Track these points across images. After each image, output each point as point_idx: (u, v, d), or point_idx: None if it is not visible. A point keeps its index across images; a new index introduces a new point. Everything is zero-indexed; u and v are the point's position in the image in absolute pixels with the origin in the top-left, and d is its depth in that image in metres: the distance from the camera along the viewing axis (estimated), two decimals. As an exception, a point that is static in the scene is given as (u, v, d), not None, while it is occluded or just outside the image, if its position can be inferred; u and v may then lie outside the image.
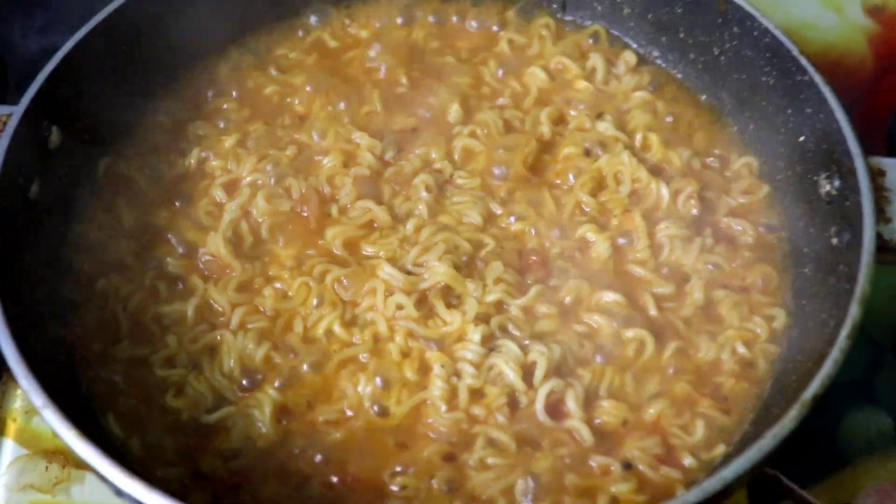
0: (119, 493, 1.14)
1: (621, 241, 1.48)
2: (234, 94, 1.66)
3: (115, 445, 1.30)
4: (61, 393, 1.20)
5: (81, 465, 1.48)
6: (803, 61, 1.45)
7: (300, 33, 1.74)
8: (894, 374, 1.62)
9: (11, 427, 1.54)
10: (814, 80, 1.43)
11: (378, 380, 1.33)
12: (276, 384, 1.34)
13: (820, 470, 1.50)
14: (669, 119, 1.63)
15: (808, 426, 1.20)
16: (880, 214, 1.32)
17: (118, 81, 1.58)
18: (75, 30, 1.50)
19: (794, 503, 1.44)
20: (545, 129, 1.60)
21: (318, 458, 1.29)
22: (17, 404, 1.56)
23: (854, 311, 1.22)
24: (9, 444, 1.52)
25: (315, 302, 1.41)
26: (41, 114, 1.44)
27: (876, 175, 1.36)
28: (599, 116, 1.62)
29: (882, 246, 1.31)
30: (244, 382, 1.35)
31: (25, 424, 1.54)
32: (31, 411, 1.55)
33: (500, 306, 1.40)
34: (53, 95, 1.45)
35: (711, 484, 1.10)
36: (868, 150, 1.37)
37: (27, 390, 1.19)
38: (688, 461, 1.29)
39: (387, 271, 1.41)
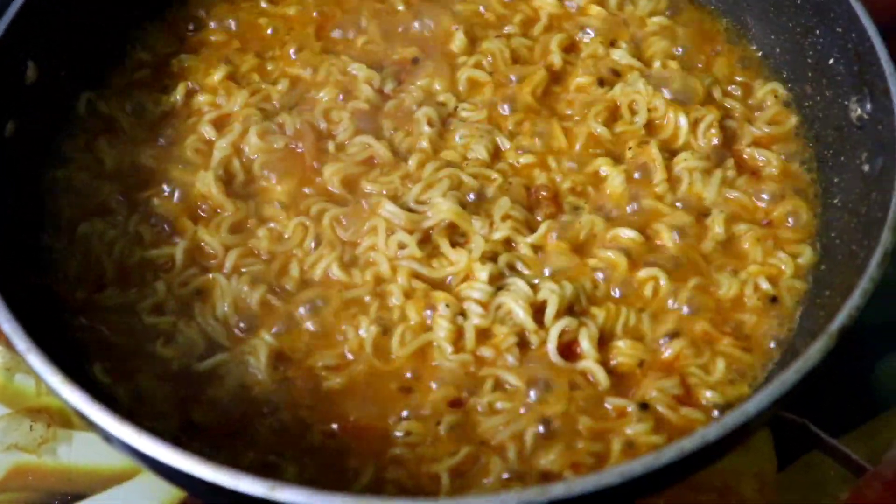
0: (108, 438, 1.17)
1: (637, 174, 1.50)
2: (221, 25, 1.69)
3: (103, 396, 1.30)
4: (45, 341, 1.22)
5: (68, 423, 1.53)
6: (832, -25, 1.46)
7: (292, -41, 1.76)
8: (932, 317, 1.64)
9: (-8, 385, 1.57)
10: (844, -4, 1.44)
11: (380, 322, 1.36)
12: (273, 329, 1.37)
13: (852, 418, 1.52)
14: (689, 45, 1.64)
15: (839, 371, 1.21)
16: (916, 137, 1.33)
17: (97, 12, 1.60)
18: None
19: (823, 452, 1.47)
20: (556, 58, 1.61)
21: (318, 404, 1.32)
22: (-3, 361, 1.59)
23: (886, 238, 1.23)
24: (-10, 403, 1.55)
25: (312, 243, 1.44)
26: (16, 47, 1.45)
27: (911, 96, 1.37)
28: (614, 44, 1.64)
29: (919, 169, 1.31)
30: (240, 326, 1.38)
31: (7, 382, 1.57)
32: (12, 368, 1.58)
33: (508, 244, 1.42)
34: (28, 27, 1.47)
35: (732, 419, 1.11)
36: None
37: (9, 334, 1.21)
38: (708, 401, 1.31)
39: (388, 209, 1.43)
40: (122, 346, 1.38)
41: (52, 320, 1.39)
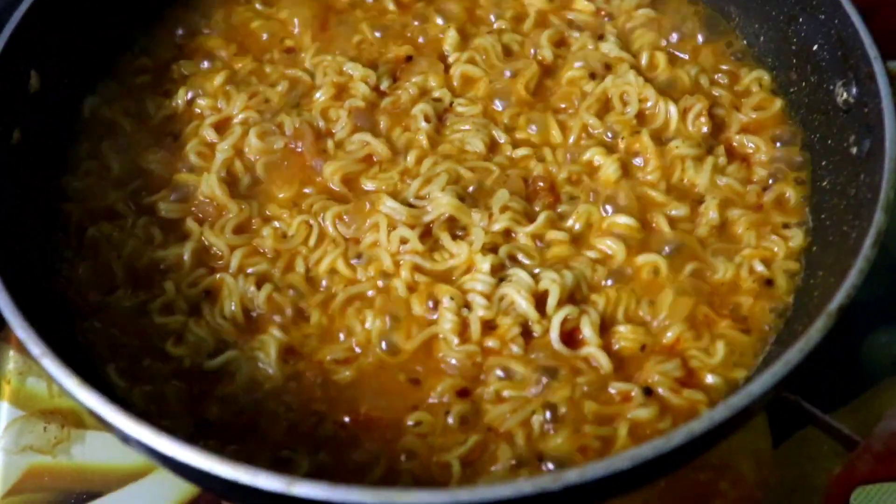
0: (125, 439, 1.14)
1: (631, 163, 1.47)
2: (218, 30, 1.65)
3: (117, 397, 1.27)
4: (59, 344, 1.19)
5: (81, 423, 1.51)
6: (812, -37, 1.45)
7: (283, -36, 1.72)
8: (917, 292, 1.62)
9: (6, 389, 1.55)
10: (826, -17, 1.42)
11: (386, 316, 1.33)
12: (280, 324, 1.34)
13: (842, 394, 1.50)
14: (675, 36, 1.62)
15: (829, 349, 1.19)
16: (902, 119, 1.31)
17: (96, 21, 1.57)
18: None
19: (816, 428, 1.45)
20: (546, 53, 1.59)
21: (329, 397, 1.29)
22: (10, 366, 1.56)
23: (879, 218, 1.21)
24: (4, 406, 1.53)
25: (315, 240, 1.41)
26: (18, 57, 1.42)
27: (895, 79, 1.35)
28: (602, 37, 1.61)
29: (906, 150, 1.29)
30: (248, 324, 1.35)
31: (20, 386, 1.55)
32: (24, 372, 1.56)
33: (508, 235, 1.40)
34: (30, 38, 1.44)
35: (738, 400, 1.09)
36: (886, 56, 1.35)
37: (25, 340, 1.17)
38: (710, 382, 1.29)
39: (388, 205, 1.40)
40: (134, 347, 1.35)
41: (65, 323, 1.36)
